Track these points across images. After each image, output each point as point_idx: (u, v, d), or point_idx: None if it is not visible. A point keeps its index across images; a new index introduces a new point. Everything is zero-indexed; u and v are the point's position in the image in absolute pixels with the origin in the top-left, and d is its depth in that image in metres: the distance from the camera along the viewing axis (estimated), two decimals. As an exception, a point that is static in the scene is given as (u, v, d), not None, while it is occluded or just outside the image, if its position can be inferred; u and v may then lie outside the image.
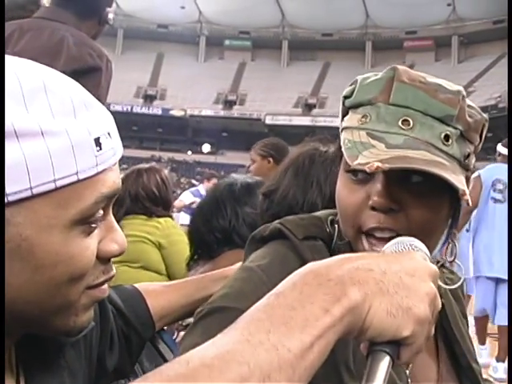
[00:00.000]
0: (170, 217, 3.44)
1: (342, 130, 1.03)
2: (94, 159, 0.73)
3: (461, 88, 1.03)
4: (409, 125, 0.96)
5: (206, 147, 52.01)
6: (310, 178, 1.60)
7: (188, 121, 57.42)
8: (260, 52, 64.15)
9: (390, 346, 0.69)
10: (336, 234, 1.08)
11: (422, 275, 0.72)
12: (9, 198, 0.67)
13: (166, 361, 1.37)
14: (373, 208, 0.97)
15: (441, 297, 1.12)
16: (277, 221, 1.11)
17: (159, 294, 1.27)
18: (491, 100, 47.45)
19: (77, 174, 0.71)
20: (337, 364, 0.95)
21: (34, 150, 0.67)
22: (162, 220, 3.30)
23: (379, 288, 0.68)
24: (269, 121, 54.63)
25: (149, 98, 59.52)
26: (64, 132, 0.70)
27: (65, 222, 0.72)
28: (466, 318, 1.23)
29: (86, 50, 2.30)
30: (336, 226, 1.09)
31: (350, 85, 1.08)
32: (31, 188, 0.68)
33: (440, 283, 1.16)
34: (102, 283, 0.81)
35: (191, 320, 1.78)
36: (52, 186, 0.69)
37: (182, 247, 3.17)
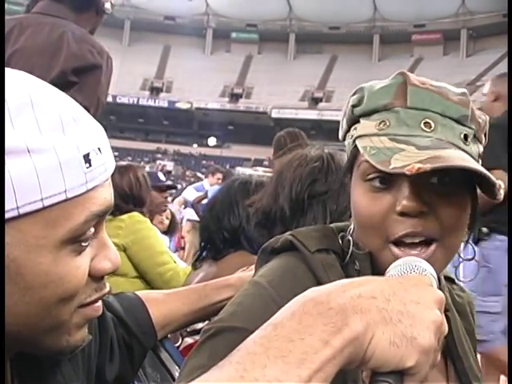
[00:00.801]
0: (142, 213, 3.27)
1: (356, 138, 1.01)
2: (84, 176, 0.70)
3: (465, 90, 1.04)
4: (430, 127, 0.96)
5: (212, 140, 52.08)
6: (282, 184, 1.56)
7: (194, 113, 57.46)
8: (267, 45, 64.03)
9: (394, 375, 0.66)
10: (352, 245, 1.05)
11: (428, 302, 0.69)
12: None
13: (167, 368, 1.35)
14: (401, 214, 0.94)
15: (446, 310, 1.09)
16: (288, 232, 1.08)
17: (161, 302, 1.24)
18: (499, 94, 47.20)
19: (65, 192, 0.68)
20: (346, 382, 0.94)
21: (20, 169, 0.65)
22: (125, 217, 3.14)
23: (382, 316, 0.65)
24: (275, 114, 54.56)
25: (155, 91, 59.58)
26: (51, 149, 0.67)
27: (54, 241, 0.69)
28: (473, 335, 1.18)
29: (86, 47, 2.27)
30: (350, 238, 1.06)
31: (354, 94, 1.06)
32: (18, 208, 0.66)
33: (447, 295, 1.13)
34: (95, 301, 0.79)
35: (196, 326, 1.72)
36: (39, 205, 0.67)
37: (150, 243, 3.11)
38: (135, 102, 56.66)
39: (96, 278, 0.78)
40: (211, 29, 63.98)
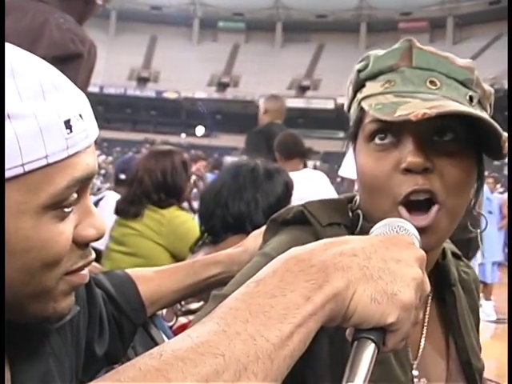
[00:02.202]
0: (179, 205, 3.19)
1: (363, 99, 1.01)
2: (65, 142, 0.71)
3: (471, 60, 1.05)
4: (436, 85, 0.96)
5: (200, 130, 51.87)
6: None
7: (182, 103, 57.25)
8: (254, 34, 63.83)
9: (376, 332, 0.67)
10: (361, 218, 1.04)
11: (408, 259, 0.70)
12: None
13: (157, 345, 1.34)
14: (406, 170, 0.93)
15: (452, 285, 1.12)
16: (301, 203, 1.08)
17: (150, 279, 1.26)
18: (486, 81, 46.97)
19: (46, 157, 0.69)
20: (389, 358, 0.96)
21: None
22: (165, 212, 3.09)
23: (363, 273, 0.66)
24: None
25: (142, 81, 59.28)
26: (32, 115, 0.68)
27: (35, 207, 0.70)
28: (476, 313, 1.20)
29: (68, 36, 2.22)
30: (359, 211, 1.05)
31: (361, 60, 1.06)
32: None
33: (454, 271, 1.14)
34: (81, 268, 0.79)
35: (191, 306, 1.77)
36: (20, 170, 0.67)
37: (191, 236, 3.03)
38: (122, 92, 56.34)
39: (81, 245, 0.78)
40: (198, 18, 63.66)
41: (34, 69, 0.72)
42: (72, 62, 2.22)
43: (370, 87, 1.01)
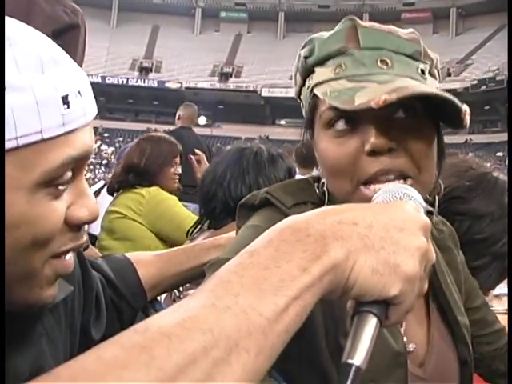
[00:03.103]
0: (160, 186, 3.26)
1: (313, 87, 1.00)
2: (61, 118, 0.69)
3: (413, 30, 1.05)
4: (387, 64, 0.96)
5: (202, 120, 51.80)
6: None
7: (184, 93, 57.12)
8: (256, 24, 63.57)
9: (378, 306, 0.64)
10: (327, 195, 1.05)
11: (412, 228, 0.66)
12: None
13: None
14: (371, 153, 0.93)
15: None
16: (264, 189, 1.08)
17: (150, 263, 1.25)
18: (489, 73, 47.20)
19: (41, 132, 0.67)
20: None
21: None
22: (144, 192, 3.16)
23: (364, 243, 0.63)
24: (265, 93, 54.24)
25: (144, 71, 59.09)
26: (29, 87, 0.66)
27: (29, 183, 0.68)
28: (455, 268, 1.19)
29: (59, 8, 2.16)
30: (325, 189, 1.05)
31: (304, 46, 1.06)
32: None
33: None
34: (68, 251, 0.78)
35: (189, 292, 1.77)
36: (14, 143, 0.65)
37: (173, 211, 3.15)
38: (124, 82, 56.12)
39: (72, 226, 0.76)
40: (200, 8, 63.39)
41: (33, 41, 0.70)
42: (69, 33, 2.16)
43: (320, 73, 1.00)
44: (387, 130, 0.93)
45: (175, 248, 1.35)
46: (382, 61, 0.96)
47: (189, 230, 2.24)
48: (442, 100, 0.90)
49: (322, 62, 1.00)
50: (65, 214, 0.74)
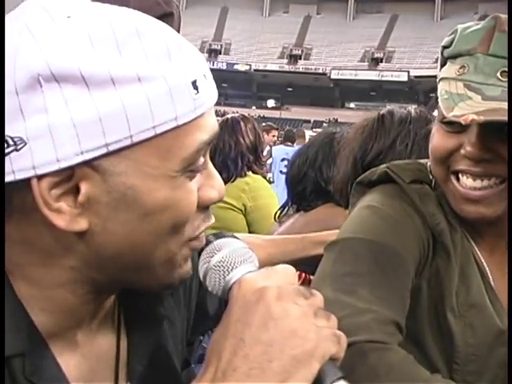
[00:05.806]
0: (263, 175, 3.14)
1: (440, 80, 1.06)
2: (193, 103, 0.70)
3: None
4: (506, 75, 0.97)
5: (271, 102, 51.92)
6: (347, 155, 1.72)
7: (253, 75, 57.29)
8: (326, 5, 62.95)
9: (334, 369, 0.67)
10: (433, 181, 1.13)
11: (284, 333, 0.67)
12: (109, 148, 0.66)
13: None
14: (465, 157, 1.01)
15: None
16: (383, 165, 1.16)
17: (259, 246, 1.26)
18: None
19: (176, 119, 0.68)
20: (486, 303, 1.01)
21: (132, 97, 0.66)
22: (249, 180, 3.03)
23: (256, 374, 0.65)
24: (334, 75, 53.82)
25: (213, 53, 59.59)
26: (161, 76, 0.67)
27: (169, 171, 0.70)
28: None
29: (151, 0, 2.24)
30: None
31: (450, 34, 1.10)
32: (131, 136, 0.66)
33: None
34: (202, 233, 0.79)
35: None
36: (152, 132, 0.67)
37: (269, 211, 2.88)
38: (194, 64, 56.76)
39: (203, 207, 0.77)
40: (269, -11, 63.36)
41: (158, 31, 0.71)
42: (164, 22, 2.21)
43: (448, 69, 1.06)
44: (487, 141, 0.98)
45: (283, 236, 1.38)
46: (503, 72, 0.98)
47: (276, 213, 2.30)
48: None
49: (453, 57, 1.06)
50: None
